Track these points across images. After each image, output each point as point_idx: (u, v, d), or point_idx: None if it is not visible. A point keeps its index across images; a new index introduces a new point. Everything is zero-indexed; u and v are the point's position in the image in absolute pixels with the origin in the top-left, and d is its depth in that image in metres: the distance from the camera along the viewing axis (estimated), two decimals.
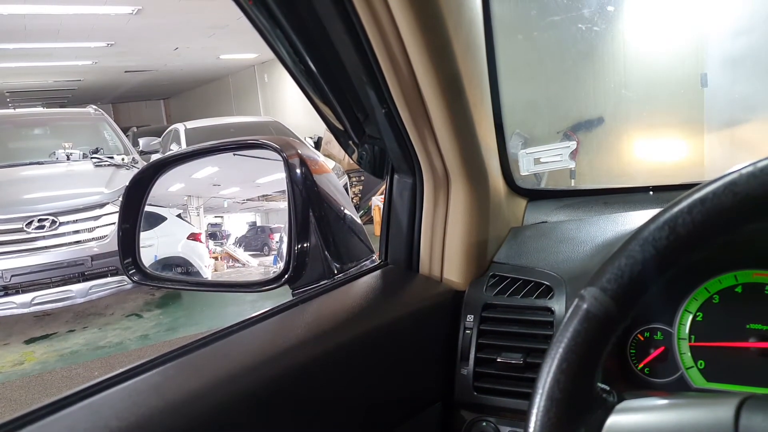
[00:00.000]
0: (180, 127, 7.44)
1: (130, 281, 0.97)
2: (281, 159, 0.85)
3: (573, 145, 0.97)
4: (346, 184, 6.20)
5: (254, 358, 0.62)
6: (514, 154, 0.98)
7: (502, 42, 0.81)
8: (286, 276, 0.83)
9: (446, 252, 0.84)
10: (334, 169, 5.68)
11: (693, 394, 0.67)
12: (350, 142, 0.78)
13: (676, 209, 0.42)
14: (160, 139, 7.77)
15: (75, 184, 4.78)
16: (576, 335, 0.43)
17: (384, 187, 0.91)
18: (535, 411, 0.43)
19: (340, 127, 0.77)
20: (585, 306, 0.43)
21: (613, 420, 0.43)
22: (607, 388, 0.47)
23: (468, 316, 0.79)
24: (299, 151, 0.87)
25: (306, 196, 0.84)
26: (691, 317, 0.73)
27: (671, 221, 0.42)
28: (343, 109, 0.72)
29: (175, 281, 1.06)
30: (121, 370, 0.55)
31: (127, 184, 1.00)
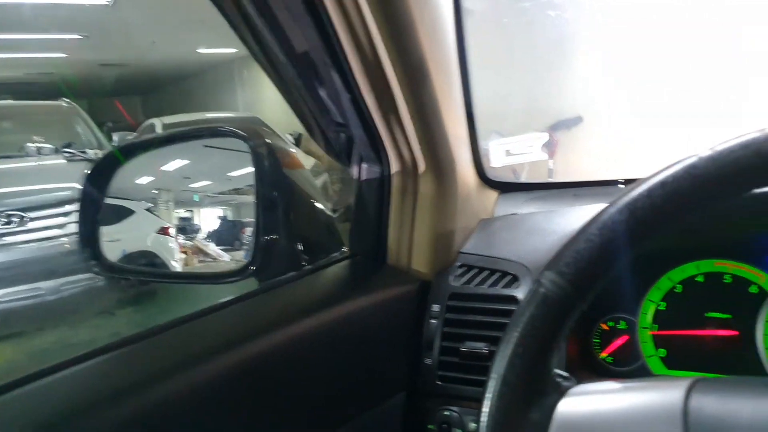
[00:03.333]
0: (156, 121, 7.34)
1: (92, 273, 0.95)
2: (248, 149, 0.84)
3: (545, 136, 0.97)
4: (327, 181, 6.15)
5: (212, 345, 0.61)
6: (486, 147, 0.98)
7: (479, 36, 0.81)
8: (252, 268, 0.82)
9: (414, 242, 0.83)
10: (314, 167, 5.62)
11: (648, 379, 0.68)
12: (319, 131, 0.77)
13: (635, 192, 0.42)
14: (136, 134, 7.65)
15: (45, 179, 4.67)
16: (533, 320, 0.43)
17: None
18: (489, 395, 0.42)
19: (308, 114, 0.76)
20: (542, 290, 0.43)
21: (566, 403, 0.43)
22: (566, 374, 0.47)
23: (434, 305, 0.79)
24: (267, 140, 0.86)
25: (273, 186, 0.83)
26: (654, 306, 0.74)
27: (631, 204, 0.42)
28: (311, 95, 0.71)
29: (139, 273, 1.04)
30: (74, 355, 0.54)
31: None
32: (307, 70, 0.67)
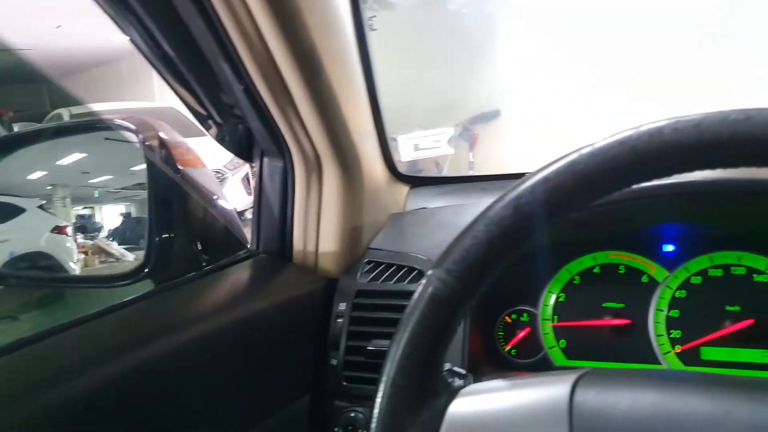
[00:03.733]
0: (64, 112, 6.90)
1: None
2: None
3: (450, 131, 0.98)
4: (248, 174, 5.98)
5: (105, 349, 0.57)
6: (395, 141, 0.97)
7: (403, 34, 0.79)
8: (146, 270, 0.77)
9: (320, 239, 0.81)
10: (233, 160, 5.44)
11: (538, 374, 0.70)
12: (211, 121, 0.72)
13: (520, 188, 0.42)
14: (41, 125, 7.16)
15: None
16: (422, 318, 0.42)
17: None
18: (379, 398, 0.41)
19: (201, 110, 0.72)
20: (430, 289, 0.42)
21: (456, 404, 0.42)
22: (462, 372, 0.46)
23: (340, 303, 0.77)
24: (161, 133, 0.80)
25: (167, 182, 0.78)
26: (554, 298, 0.75)
27: (515, 200, 0.42)
28: (201, 85, 0.67)
29: (21, 278, 0.96)
30: None
31: None
32: (194, 60, 0.63)
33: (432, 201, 0.94)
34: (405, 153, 0.97)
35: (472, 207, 0.87)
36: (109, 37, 10.59)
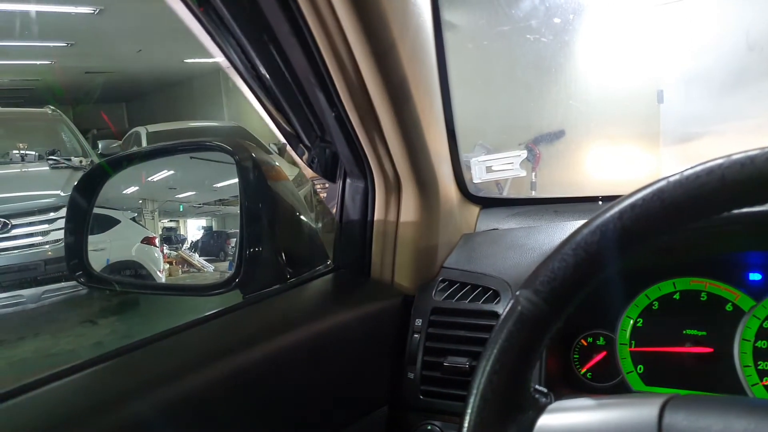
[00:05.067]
0: (141, 130, 7.31)
1: (77, 283, 0.95)
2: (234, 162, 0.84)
3: (524, 154, 0.99)
4: (310, 191, 6.14)
5: (195, 358, 0.61)
6: (467, 162, 0.99)
7: (466, 53, 0.82)
8: (237, 280, 0.82)
9: (397, 257, 0.84)
10: (297, 177, 5.61)
11: (625, 395, 0.69)
12: (301, 145, 0.78)
13: (608, 214, 0.44)
14: (121, 142, 7.61)
15: (29, 186, 4.62)
16: (510, 337, 0.44)
17: None
18: (468, 411, 0.43)
19: (292, 131, 0.77)
20: (519, 308, 0.44)
21: (544, 420, 0.43)
22: (545, 390, 0.47)
23: (417, 320, 0.80)
24: (253, 154, 0.86)
25: (258, 199, 0.83)
26: (631, 323, 0.75)
27: (603, 226, 0.43)
28: (295, 112, 0.72)
29: (123, 284, 1.04)
30: (53, 370, 0.54)
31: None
32: (292, 88, 0.68)
33: (503, 222, 0.96)
34: (477, 174, 0.99)
35: (543, 229, 0.88)
36: (183, 59, 11.20)
